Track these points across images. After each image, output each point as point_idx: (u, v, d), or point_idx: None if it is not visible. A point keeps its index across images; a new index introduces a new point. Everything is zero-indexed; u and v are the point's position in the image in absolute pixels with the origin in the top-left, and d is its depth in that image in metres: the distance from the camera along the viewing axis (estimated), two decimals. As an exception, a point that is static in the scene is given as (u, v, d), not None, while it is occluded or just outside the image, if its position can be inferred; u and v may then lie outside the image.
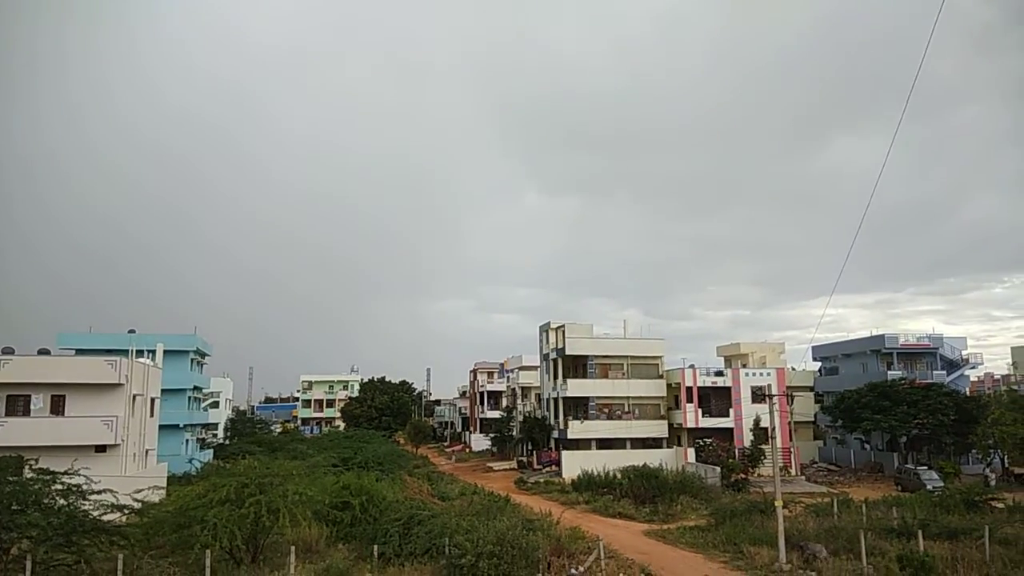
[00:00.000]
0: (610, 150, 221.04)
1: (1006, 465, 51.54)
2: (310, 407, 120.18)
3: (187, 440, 54.31)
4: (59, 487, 19.68)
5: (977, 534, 24.47)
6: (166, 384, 45.86)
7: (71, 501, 19.57)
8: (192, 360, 55.82)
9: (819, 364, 71.64)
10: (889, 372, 59.63)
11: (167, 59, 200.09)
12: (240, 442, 60.68)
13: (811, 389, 68.30)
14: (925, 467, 48.42)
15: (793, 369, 68.61)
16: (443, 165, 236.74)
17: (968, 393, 61.10)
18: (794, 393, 55.32)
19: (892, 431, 53.43)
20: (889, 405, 52.49)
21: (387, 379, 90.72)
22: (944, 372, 61.67)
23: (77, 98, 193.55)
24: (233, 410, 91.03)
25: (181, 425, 52.20)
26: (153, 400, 41.85)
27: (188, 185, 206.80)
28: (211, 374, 66.64)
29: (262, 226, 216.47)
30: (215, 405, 73.22)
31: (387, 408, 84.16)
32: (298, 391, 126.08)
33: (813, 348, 69.83)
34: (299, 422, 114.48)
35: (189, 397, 54.84)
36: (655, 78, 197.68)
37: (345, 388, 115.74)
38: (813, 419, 65.99)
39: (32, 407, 34.45)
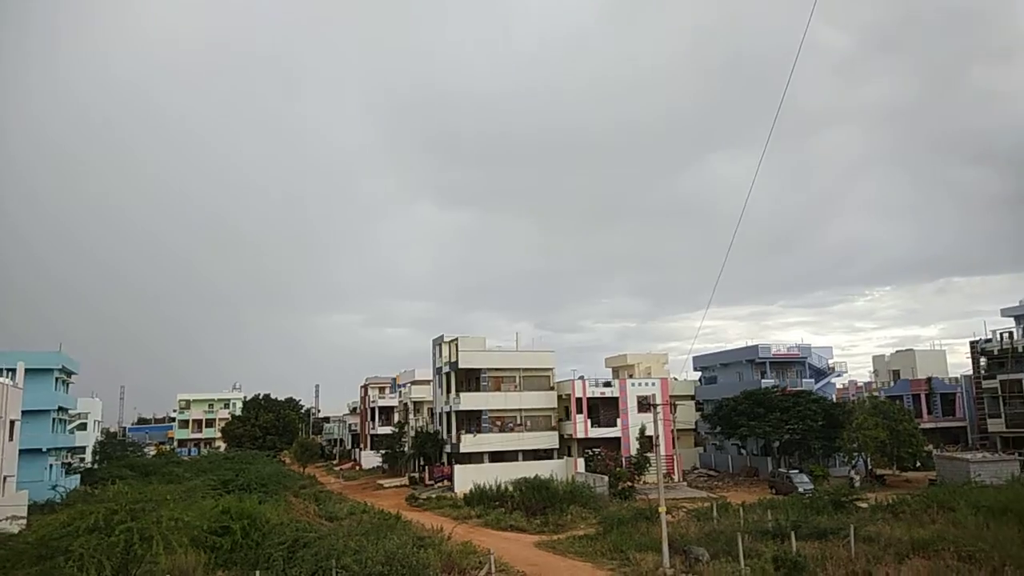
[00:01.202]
0: (502, 163, 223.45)
1: (869, 467, 55.41)
2: (188, 427, 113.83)
3: (51, 465, 50.33)
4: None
5: (843, 533, 26.13)
6: (27, 405, 42.35)
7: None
8: (57, 379, 51.82)
9: (699, 374, 74.78)
10: (763, 380, 62.93)
11: (85, 68, 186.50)
12: (110, 466, 56.79)
13: (692, 398, 71.20)
14: (796, 470, 51.32)
15: (676, 379, 71.25)
16: (337, 178, 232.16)
17: (834, 400, 65.17)
18: (677, 402, 57.50)
19: (766, 436, 56.29)
20: (763, 412, 55.30)
21: (272, 396, 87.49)
22: (812, 380, 65.71)
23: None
24: (103, 432, 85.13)
25: (44, 449, 48.29)
26: (12, 422, 38.51)
27: (67, 189, 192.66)
28: (78, 394, 62.11)
29: (139, 236, 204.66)
30: (82, 427, 68.23)
31: (272, 427, 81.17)
32: (175, 411, 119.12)
33: (693, 358, 73.06)
34: (176, 444, 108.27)
35: (53, 419, 50.82)
36: (544, 94, 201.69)
37: (227, 407, 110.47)
38: (694, 427, 68.78)
39: None
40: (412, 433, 69.83)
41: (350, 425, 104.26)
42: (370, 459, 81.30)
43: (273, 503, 35.66)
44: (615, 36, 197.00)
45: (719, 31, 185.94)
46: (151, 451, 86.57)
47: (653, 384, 60.95)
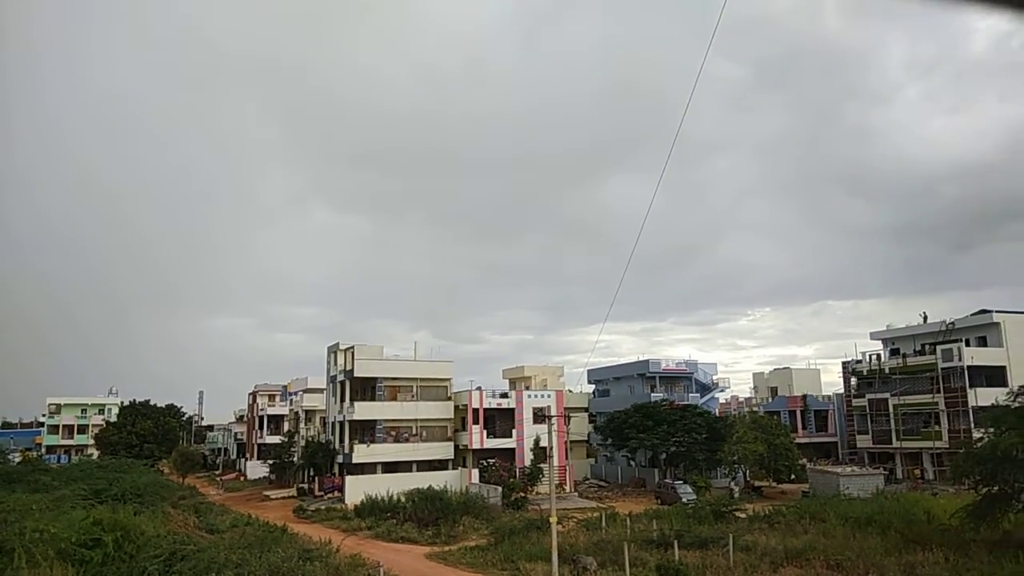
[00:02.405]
0: (402, 170, 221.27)
1: (748, 479, 58.10)
2: (58, 433, 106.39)
3: None
4: None
5: (723, 542, 27.34)
6: None
7: None
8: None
9: (593, 386, 76.47)
10: (652, 394, 64.99)
11: None
12: (-34, 475, 52.22)
13: (586, 410, 72.67)
14: (681, 481, 53.14)
15: (571, 391, 72.51)
16: (231, 177, 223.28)
17: (717, 414, 67.94)
18: (571, 414, 58.54)
19: (654, 448, 58.00)
20: (652, 424, 56.90)
21: (152, 402, 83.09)
22: (698, 395, 68.45)
23: None
24: (-42, 438, 78.30)
25: None
26: None
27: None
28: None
29: (14, 231, 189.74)
30: (-67, 432, 62.52)
31: (150, 434, 77.05)
32: (44, 415, 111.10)
33: (588, 371, 74.71)
34: (44, 450, 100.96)
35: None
36: (450, 101, 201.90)
37: (101, 412, 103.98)
38: (587, 438, 70.17)
39: None
40: (302, 443, 67.88)
41: (236, 434, 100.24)
42: (256, 469, 78.39)
43: (150, 515, 33.76)
44: (518, 57, 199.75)
45: (618, 57, 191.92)
46: (16, 457, 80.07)
47: (549, 396, 61.73)
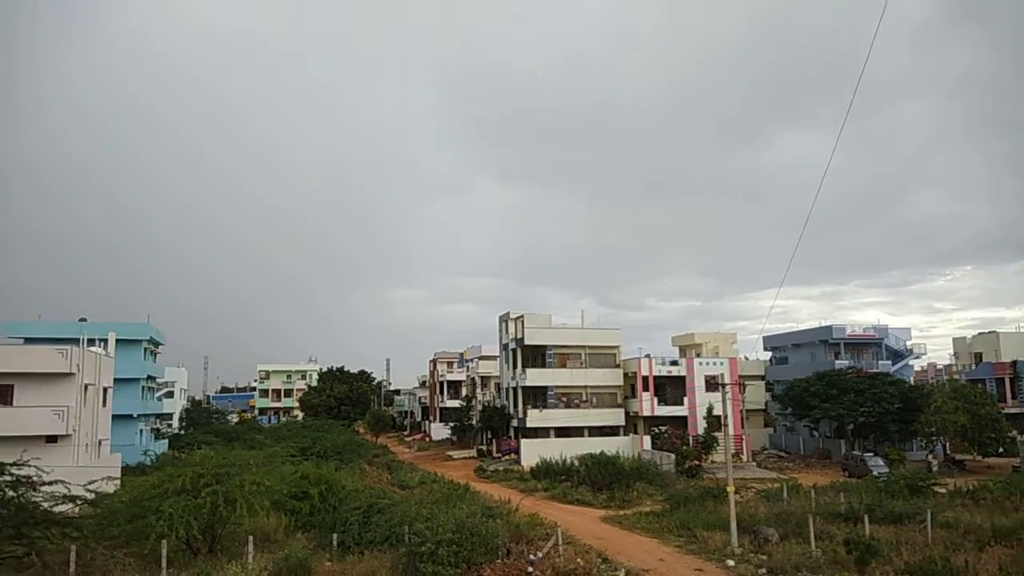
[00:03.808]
0: (562, 139, 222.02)
1: (948, 452, 53.55)
2: (268, 397, 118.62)
3: (141, 430, 53.31)
4: (7, 478, 19.26)
5: (920, 518, 25.52)
6: (119, 373, 44.90)
7: (21, 493, 19.17)
8: (145, 349, 54.69)
9: (770, 354, 73.32)
10: (836, 362, 61.28)
11: (130, 50, 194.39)
12: (196, 432, 59.74)
13: (762, 378, 69.91)
14: (871, 454, 50.03)
15: (745, 358, 70.09)
16: (396, 155, 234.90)
17: (912, 382, 63.12)
18: (746, 382, 56.54)
19: (840, 419, 54.99)
20: (837, 393, 54.00)
21: (346, 369, 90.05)
22: (889, 362, 63.64)
23: (40, 89, 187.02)
24: (188, 400, 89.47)
25: (135, 415, 51.16)
26: (106, 390, 41.01)
27: (140, 178, 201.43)
28: (165, 363, 65.39)
29: (216, 215, 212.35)
30: (170, 395, 71.88)
31: (346, 398, 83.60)
32: (255, 381, 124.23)
33: (764, 338, 71.55)
34: (256, 412, 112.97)
35: (143, 387, 53.76)
36: (603, 67, 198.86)
37: (303, 378, 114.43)
38: (764, 407, 67.61)
39: (-22, 397, 33.52)
40: (479, 407, 70.94)
41: (420, 398, 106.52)
42: (439, 431, 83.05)
43: (348, 470, 37.07)
44: (675, 12, 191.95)
45: (785, 3, 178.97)
46: (234, 419, 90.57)
47: (721, 363, 60.17)
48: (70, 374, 34.58)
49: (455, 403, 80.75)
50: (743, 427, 56.39)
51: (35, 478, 19.65)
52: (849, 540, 21.89)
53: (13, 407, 33.63)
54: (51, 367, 34.21)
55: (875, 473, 43.57)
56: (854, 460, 49.20)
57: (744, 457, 55.50)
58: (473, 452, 65.14)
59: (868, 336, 64.79)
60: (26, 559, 18.27)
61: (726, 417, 28.08)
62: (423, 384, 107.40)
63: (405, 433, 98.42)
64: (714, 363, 60.31)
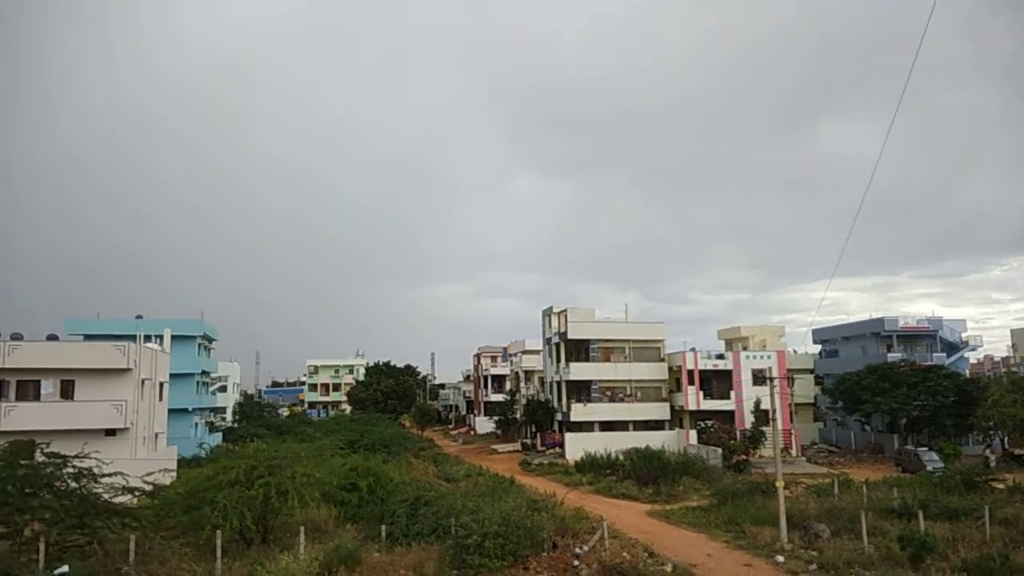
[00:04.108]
0: (602, 133, 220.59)
1: (1006, 446, 51.84)
2: (316, 391, 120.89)
3: (196, 424, 54.78)
4: (70, 470, 19.81)
5: (977, 514, 24.80)
6: (174, 369, 46.21)
7: (83, 484, 19.76)
8: (199, 345, 56.17)
9: (819, 347, 71.90)
10: (889, 354, 59.80)
11: (174, 39, 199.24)
12: (248, 425, 61.17)
13: (811, 371, 68.58)
14: (925, 448, 48.75)
15: (794, 352, 68.92)
16: (438, 150, 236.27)
17: (968, 375, 61.25)
18: (794, 375, 55.66)
19: (892, 413, 53.73)
20: (889, 387, 52.75)
21: (392, 363, 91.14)
22: (944, 354, 61.83)
23: (87, 83, 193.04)
24: (241, 394, 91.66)
25: (190, 409, 52.61)
26: (162, 384, 42.25)
27: (197, 172, 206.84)
28: (218, 359, 66.98)
29: (266, 213, 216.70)
30: (223, 389, 73.69)
31: (392, 392, 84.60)
32: (304, 375, 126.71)
33: (813, 331, 70.15)
34: (306, 406, 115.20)
35: (197, 381, 55.23)
36: (645, 60, 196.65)
37: (351, 372, 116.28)
38: (813, 401, 66.39)
39: (42, 392, 34.86)
40: (523, 401, 71.13)
41: (464, 392, 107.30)
42: (484, 424, 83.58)
43: (395, 463, 37.56)
44: (721, 3, 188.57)
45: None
46: (284, 412, 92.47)
47: (769, 357, 59.27)
48: (128, 369, 35.72)
49: (499, 397, 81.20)
50: (792, 421, 55.46)
51: (96, 470, 20.24)
52: (903, 536, 21.41)
53: (74, 401, 34.92)
54: (110, 363, 35.40)
55: (929, 468, 42.42)
56: (907, 455, 48.02)
57: (793, 452, 54.63)
58: (517, 446, 65.39)
59: (922, 328, 63.05)
60: (88, 548, 18.90)
61: (774, 411, 27.75)
62: (467, 378, 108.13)
63: (450, 427, 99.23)
64: (761, 356, 59.43)
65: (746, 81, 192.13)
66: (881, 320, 63.02)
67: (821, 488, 35.53)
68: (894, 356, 59.27)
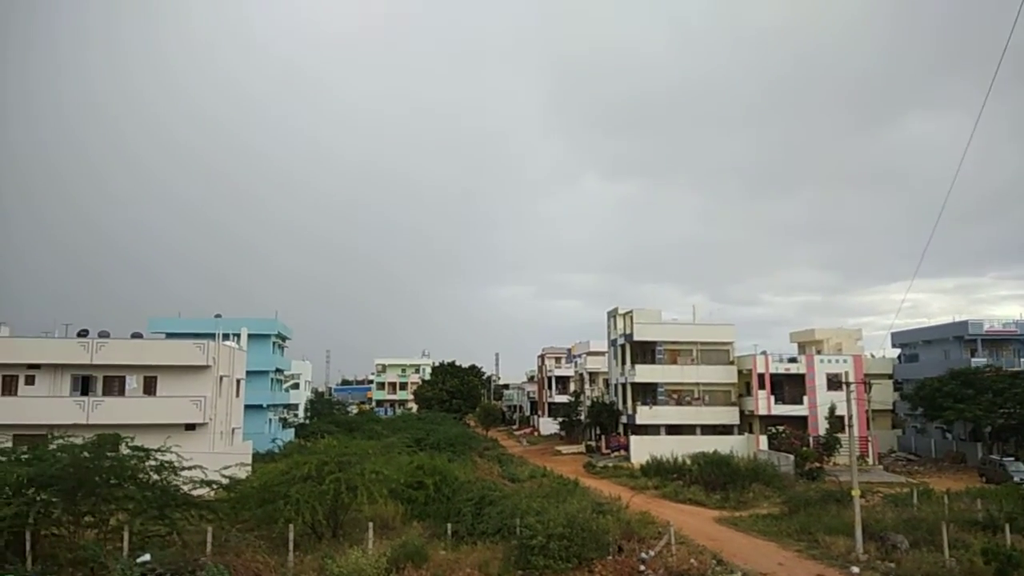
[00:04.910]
0: (668, 131, 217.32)
1: (1104, 458, 48.81)
2: (384, 389, 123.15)
3: (270, 420, 56.47)
4: (153, 463, 20.66)
5: (1068, 529, 23.47)
6: (250, 366, 47.74)
7: (164, 476, 20.62)
8: (273, 343, 57.92)
9: (898, 351, 69.17)
10: (973, 359, 57.02)
11: (232, 38, 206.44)
12: (319, 422, 62.64)
13: (890, 376, 66.02)
14: (1012, 458, 46.29)
15: (871, 356, 66.49)
16: (503, 151, 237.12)
17: (1061, 382, 57.84)
18: (872, 381, 53.62)
19: (976, 420, 51.32)
20: (973, 393, 50.35)
21: (457, 363, 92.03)
22: (1034, 360, 58.61)
23: (140, 82, 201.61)
24: (312, 391, 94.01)
25: (264, 405, 54.24)
26: (238, 381, 43.74)
27: (267, 176, 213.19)
28: (291, 357, 68.88)
29: (334, 215, 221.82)
30: (296, 387, 75.81)
31: (457, 391, 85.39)
32: (372, 374, 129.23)
33: (892, 334, 67.38)
34: (374, 404, 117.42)
35: (271, 379, 56.95)
36: (713, 56, 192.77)
37: (417, 371, 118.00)
38: (892, 407, 63.89)
39: (127, 387, 36.59)
40: (588, 403, 70.77)
41: (528, 392, 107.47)
42: (548, 426, 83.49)
43: (460, 462, 37.89)
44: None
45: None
46: (353, 409, 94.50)
47: (845, 361, 57.30)
48: (207, 367, 37.15)
49: (563, 398, 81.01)
50: (869, 428, 53.48)
51: (176, 463, 21.12)
52: (988, 550, 20.40)
53: (156, 397, 36.53)
54: (190, 360, 36.89)
55: (1016, 479, 40.29)
56: (992, 465, 45.71)
57: (870, 460, 52.70)
58: (581, 447, 65.09)
59: (1008, 332, 59.94)
60: (168, 538, 19.73)
61: (850, 417, 26.81)
62: (531, 379, 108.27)
63: (514, 427, 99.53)
64: (837, 360, 57.54)
65: (824, 71, 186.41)
66: (965, 323, 60.21)
67: (899, 498, 34.16)
68: (978, 361, 56.49)
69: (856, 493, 24.62)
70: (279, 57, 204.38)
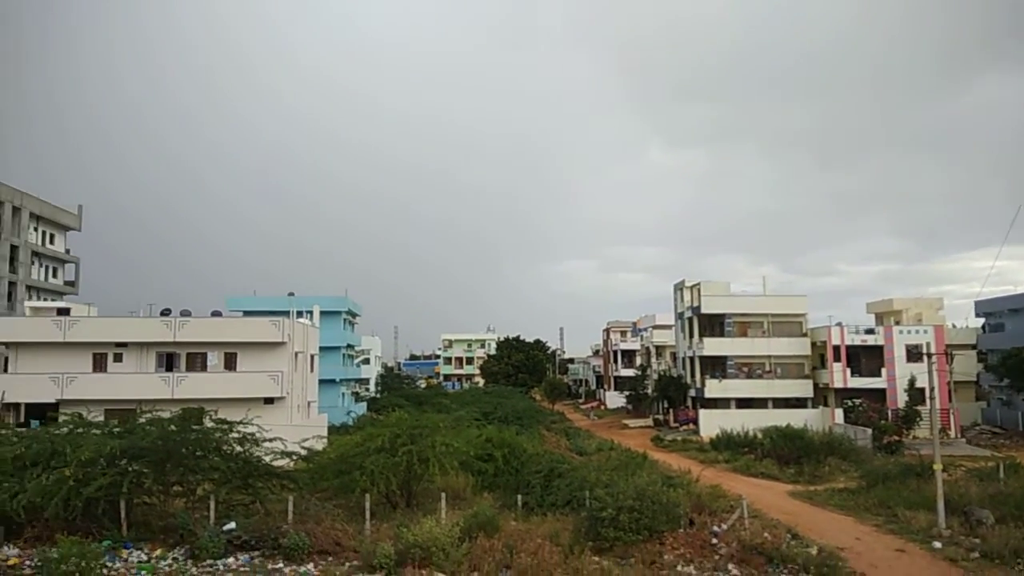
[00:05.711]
0: (735, 100, 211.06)
1: None
2: (451, 364, 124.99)
3: (343, 394, 57.99)
4: (235, 435, 21.51)
5: None
6: (323, 342, 49.01)
7: (246, 448, 21.47)
8: (344, 320, 59.26)
9: (982, 320, 66.05)
10: (1066, 328, 54.13)
11: (262, 40, 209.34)
12: (390, 396, 64.11)
13: (974, 347, 63.23)
14: (1109, 432, 43.96)
15: (953, 326, 63.75)
16: (563, 124, 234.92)
17: None
18: (954, 352, 51.52)
19: (1068, 392, 48.77)
20: (1066, 364, 47.87)
21: (522, 338, 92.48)
22: None
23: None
24: (382, 366, 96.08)
25: (337, 380, 55.70)
26: (312, 357, 45.03)
27: (329, 185, 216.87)
28: (361, 333, 70.36)
29: (401, 176, 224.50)
30: (366, 362, 77.45)
31: (523, 365, 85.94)
32: (439, 349, 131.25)
33: (976, 303, 64.37)
34: (441, 378, 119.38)
35: (343, 354, 58.36)
36: (779, 23, 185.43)
37: (483, 346, 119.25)
38: (975, 379, 61.24)
39: (208, 363, 38.17)
40: (654, 376, 70.23)
41: (594, 366, 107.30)
42: (614, 399, 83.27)
43: (528, 435, 38.23)
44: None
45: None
46: (422, 384, 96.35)
47: (925, 332, 55.05)
48: (283, 343, 38.40)
49: (629, 372, 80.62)
50: (951, 400, 51.45)
51: (257, 435, 21.96)
52: (1083, 528, 19.50)
53: (237, 372, 37.99)
54: (267, 336, 38.21)
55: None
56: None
57: (952, 433, 50.77)
58: (649, 421, 64.74)
59: (1103, 299, 56.57)
60: (252, 507, 20.63)
61: (932, 389, 25.88)
62: (596, 353, 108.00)
63: (580, 401, 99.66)
64: (916, 331, 55.37)
65: (898, 34, 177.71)
66: (1055, 291, 57.07)
67: (984, 472, 32.81)
68: (1072, 330, 53.61)
69: (938, 467, 23.81)
70: (320, 53, 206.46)
